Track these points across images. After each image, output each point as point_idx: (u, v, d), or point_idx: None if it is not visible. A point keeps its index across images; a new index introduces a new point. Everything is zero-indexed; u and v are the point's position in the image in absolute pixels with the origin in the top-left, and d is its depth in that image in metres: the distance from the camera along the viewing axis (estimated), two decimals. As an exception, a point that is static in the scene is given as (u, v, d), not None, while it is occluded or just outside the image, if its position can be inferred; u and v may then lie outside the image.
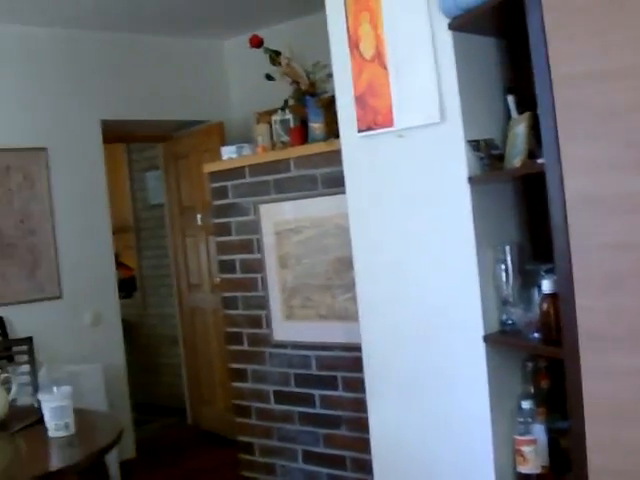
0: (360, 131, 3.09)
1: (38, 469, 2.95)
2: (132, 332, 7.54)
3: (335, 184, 3.86)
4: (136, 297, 8.66)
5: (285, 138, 4.36)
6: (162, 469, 6.28)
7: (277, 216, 4.31)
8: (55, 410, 3.23)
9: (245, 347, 4.61)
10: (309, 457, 4.42)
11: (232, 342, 4.71)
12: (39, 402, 3.98)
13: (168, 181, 7.42)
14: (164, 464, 6.43)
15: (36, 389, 4.28)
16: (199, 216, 6.84)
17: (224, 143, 5.98)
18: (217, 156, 5.38)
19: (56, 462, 3.17)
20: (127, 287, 8.28)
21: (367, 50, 3.02)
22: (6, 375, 3.80)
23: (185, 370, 7.57)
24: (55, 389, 3.30)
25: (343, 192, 3.32)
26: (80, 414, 3.34)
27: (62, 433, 3.22)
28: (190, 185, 7.03)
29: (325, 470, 4.35)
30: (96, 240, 6.31)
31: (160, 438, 7.14)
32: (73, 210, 6.18)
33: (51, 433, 3.24)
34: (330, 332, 4.16)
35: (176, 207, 7.32)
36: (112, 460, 4.99)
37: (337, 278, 4.09)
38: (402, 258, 3.04)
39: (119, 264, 6.95)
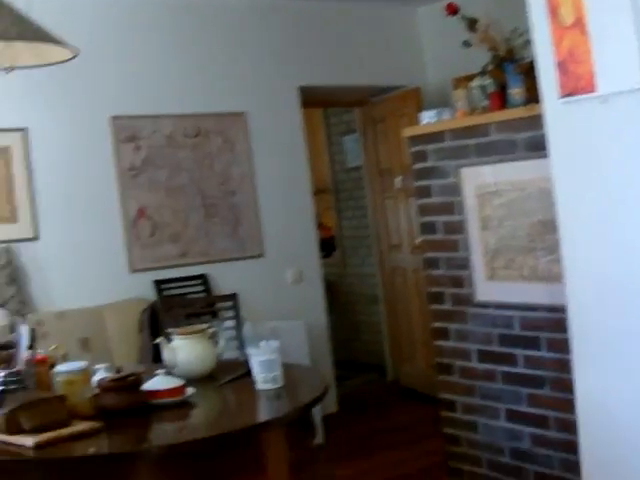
0: (562, 97, 3.10)
1: (246, 420, 3.05)
2: (332, 291, 7.73)
3: (536, 148, 3.85)
4: (335, 257, 8.85)
5: (485, 103, 4.37)
6: (363, 424, 6.46)
7: (478, 179, 4.33)
8: (263, 363, 3.28)
9: (447, 306, 4.65)
10: (512, 416, 4.42)
11: (434, 301, 4.77)
12: (245, 356, 4.16)
13: (366, 144, 7.54)
14: (365, 419, 6.61)
15: (241, 344, 4.48)
16: (398, 179, 6.92)
17: (420, 108, 6.02)
18: (414, 121, 5.43)
19: (264, 414, 3.25)
20: (327, 247, 8.47)
21: (567, 16, 3.02)
22: (214, 329, 3.94)
23: (386, 328, 7.71)
24: (263, 343, 3.36)
25: (544, 156, 3.33)
26: (287, 368, 3.38)
27: (270, 386, 3.26)
28: (387, 148, 7.13)
29: (528, 429, 4.34)
30: (297, 201, 6.51)
31: (361, 394, 7.33)
32: (273, 172, 6.39)
33: (259, 386, 3.28)
34: (533, 293, 4.16)
35: (374, 169, 7.43)
36: (315, 413, 5.16)
37: (540, 240, 4.08)
38: (609, 221, 3.03)
39: (319, 224, 7.14)
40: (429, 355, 6.60)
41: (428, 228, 4.72)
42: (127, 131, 5.83)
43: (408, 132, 4.78)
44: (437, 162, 4.56)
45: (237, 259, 6.24)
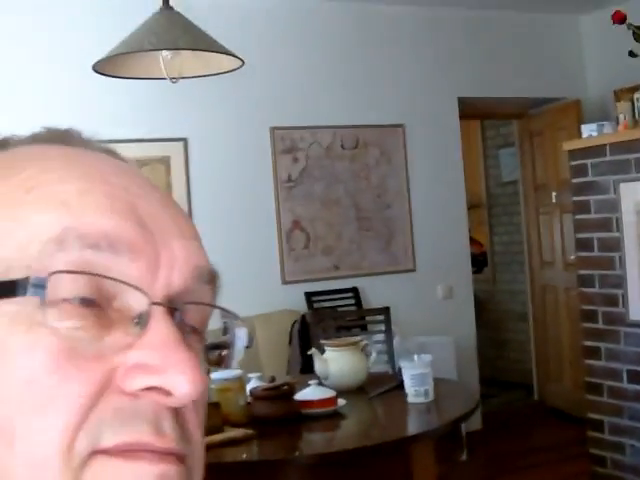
0: None
1: (396, 433, 3.12)
2: (480, 307, 7.68)
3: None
4: (486, 273, 8.78)
5: (648, 116, 4.28)
6: (507, 443, 6.38)
7: (638, 195, 4.24)
8: (416, 377, 3.31)
9: (599, 325, 4.58)
10: (661, 439, 4.34)
11: (587, 320, 4.70)
12: (394, 370, 4.19)
13: (522, 158, 7.46)
14: (509, 438, 6.52)
15: (391, 358, 4.51)
16: (554, 194, 6.82)
17: (580, 121, 5.91)
18: (573, 134, 5.35)
19: (414, 427, 3.32)
20: (477, 263, 8.41)
21: None
22: (366, 343, 3.99)
23: (533, 346, 7.60)
24: (416, 357, 3.41)
25: None
26: (437, 382, 3.42)
27: (421, 399, 3.29)
28: (544, 162, 7.03)
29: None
30: (450, 215, 6.48)
31: (505, 412, 7.23)
32: (428, 185, 6.38)
33: (410, 399, 3.32)
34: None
35: (530, 184, 7.34)
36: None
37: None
38: None
39: (470, 239, 7.10)
40: (577, 375, 6.47)
41: (584, 245, 4.66)
42: (286, 142, 5.94)
43: (568, 146, 4.72)
44: (597, 177, 4.49)
45: (389, 273, 6.27)
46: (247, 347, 0.68)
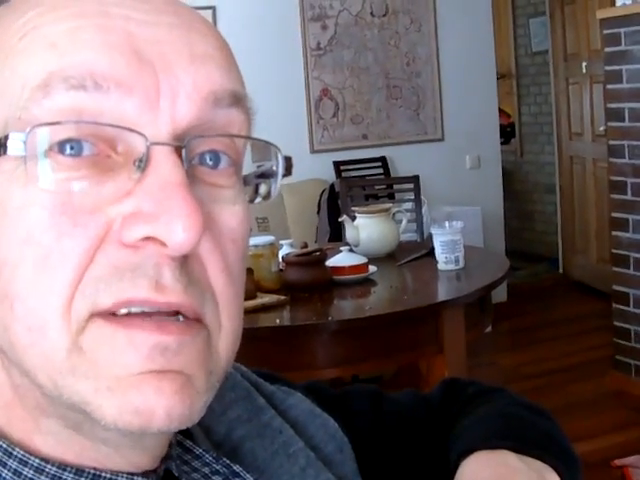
0: None
1: (427, 299, 3.16)
2: (507, 179, 7.65)
3: None
4: (513, 144, 8.73)
5: (686, -17, 4.18)
6: (532, 314, 6.47)
7: (673, 64, 4.19)
8: (446, 244, 3.29)
9: (628, 196, 4.57)
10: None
11: (615, 191, 4.69)
12: (423, 238, 4.21)
13: (553, 27, 7.31)
14: (533, 310, 6.60)
15: (420, 226, 4.53)
16: (584, 64, 6.72)
17: (614, -12, 5.78)
18: (606, 2, 5.24)
19: (445, 293, 3.33)
20: (505, 134, 8.35)
21: None
22: (397, 209, 3.98)
23: (560, 219, 7.62)
24: (447, 224, 3.38)
25: None
26: (467, 250, 3.41)
27: (452, 266, 3.30)
28: (576, 32, 6.89)
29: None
30: (480, 85, 6.41)
31: (531, 284, 7.28)
32: (458, 54, 6.28)
33: (440, 266, 3.32)
34: None
35: (560, 54, 7.23)
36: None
37: None
38: None
39: (498, 110, 7.03)
40: (602, 248, 6.51)
41: (615, 115, 4.61)
42: (315, 10, 5.86)
43: (602, 14, 4.63)
44: (630, 46, 4.41)
45: (417, 142, 6.25)
46: (285, 175, 0.64)
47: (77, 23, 0.55)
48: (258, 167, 0.63)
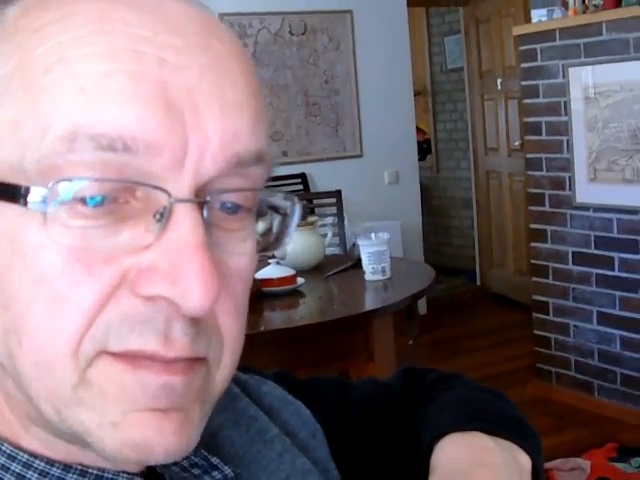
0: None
1: (356, 308, 3.20)
2: (424, 194, 7.75)
3: (648, 48, 3.84)
4: (429, 160, 8.85)
5: (598, 1, 4.30)
6: (452, 326, 6.57)
7: (586, 79, 4.31)
8: (373, 254, 3.34)
9: (546, 208, 4.68)
10: (603, 319, 4.47)
11: (533, 203, 4.79)
12: (346, 251, 4.23)
13: (468, 45, 7.47)
14: (454, 322, 6.71)
15: (343, 240, 4.57)
16: (499, 80, 6.87)
17: (527, 8, 5.90)
18: (519, 21, 5.38)
19: (373, 302, 3.36)
20: (421, 150, 8.45)
21: None
22: (322, 223, 4.00)
23: (477, 232, 7.75)
24: (373, 235, 3.44)
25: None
26: (394, 261, 3.48)
27: (379, 277, 3.34)
28: (490, 49, 7.05)
29: (619, 332, 4.40)
30: (397, 102, 6.50)
31: (450, 297, 7.39)
32: (375, 72, 6.37)
33: (368, 276, 3.36)
34: (634, 196, 4.16)
35: (475, 71, 7.38)
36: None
37: (646, 142, 4.08)
38: None
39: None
40: (519, 260, 6.66)
41: (532, 129, 4.72)
42: (234, 28, 5.87)
43: (518, 30, 4.74)
44: (546, 62, 4.53)
45: (336, 159, 6.30)
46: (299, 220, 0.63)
47: (108, 67, 0.53)
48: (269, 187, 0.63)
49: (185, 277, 0.53)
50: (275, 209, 0.63)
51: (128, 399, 0.56)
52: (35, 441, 0.61)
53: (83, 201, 0.53)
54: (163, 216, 0.54)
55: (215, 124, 0.56)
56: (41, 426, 0.59)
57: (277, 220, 0.64)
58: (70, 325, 0.54)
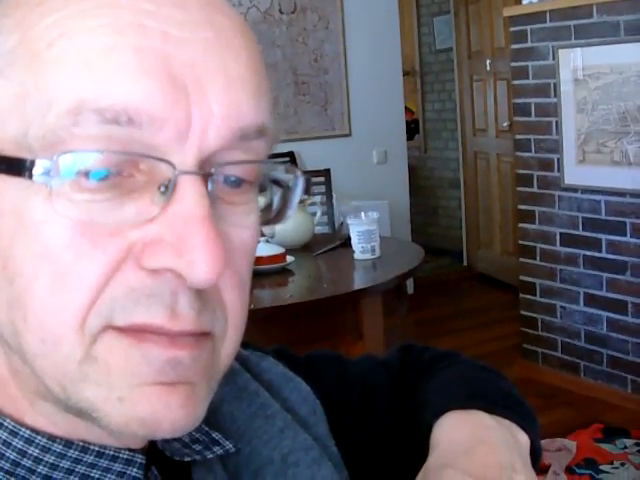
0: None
1: (345, 287, 3.21)
2: (411, 174, 7.74)
3: (639, 31, 3.83)
4: (417, 140, 8.84)
5: (589, -18, 4.30)
6: (439, 306, 6.60)
7: (576, 61, 4.31)
8: (363, 233, 3.35)
9: (534, 189, 4.69)
10: (590, 300, 4.49)
11: (522, 184, 4.80)
12: (335, 231, 4.23)
13: (457, 25, 7.45)
14: (440, 302, 6.73)
15: (331, 218, 4.57)
16: (488, 61, 6.87)
17: (518, -13, 5.91)
18: (509, 1, 5.38)
19: (362, 281, 3.37)
20: (409, 130, 8.43)
21: None
22: (312, 201, 3.99)
23: (464, 213, 7.76)
24: (363, 214, 3.43)
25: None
26: (383, 240, 3.49)
27: (368, 256, 3.35)
28: (480, 30, 7.03)
29: (605, 314, 4.42)
30: (386, 82, 6.47)
31: (436, 278, 7.40)
32: (365, 51, 6.33)
33: (357, 255, 3.36)
34: (622, 178, 4.17)
35: (464, 51, 7.37)
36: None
37: (634, 125, 4.08)
38: None
39: (403, 107, 7.12)
40: (505, 240, 6.68)
41: (521, 110, 4.73)
42: (224, 6, 5.82)
43: (509, 11, 4.73)
44: (536, 43, 4.53)
45: (325, 137, 6.29)
46: (305, 195, 0.64)
47: (113, 41, 0.53)
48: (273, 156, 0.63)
49: (191, 248, 0.53)
50: (277, 182, 0.63)
51: (134, 374, 0.56)
52: (40, 417, 0.61)
53: (87, 175, 0.53)
54: (168, 188, 0.54)
55: (218, 97, 0.56)
56: (50, 401, 0.59)
57: (278, 194, 0.64)
58: (76, 300, 0.54)
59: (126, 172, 0.54)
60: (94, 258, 0.54)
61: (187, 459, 0.68)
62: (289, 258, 3.33)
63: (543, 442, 3.75)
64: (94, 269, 0.54)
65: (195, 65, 0.55)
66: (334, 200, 4.92)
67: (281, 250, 3.30)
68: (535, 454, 0.82)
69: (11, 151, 0.54)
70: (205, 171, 0.56)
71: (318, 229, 4.23)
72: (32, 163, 0.53)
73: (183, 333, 0.56)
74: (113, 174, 0.54)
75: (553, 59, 4.43)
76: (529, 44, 4.57)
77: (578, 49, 4.29)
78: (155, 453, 0.67)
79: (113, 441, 0.62)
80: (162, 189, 0.55)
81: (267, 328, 2.91)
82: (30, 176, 0.53)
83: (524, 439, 0.81)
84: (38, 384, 0.58)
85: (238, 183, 0.60)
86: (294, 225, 3.61)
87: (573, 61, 4.33)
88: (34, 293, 0.54)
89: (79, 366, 0.55)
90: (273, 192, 0.64)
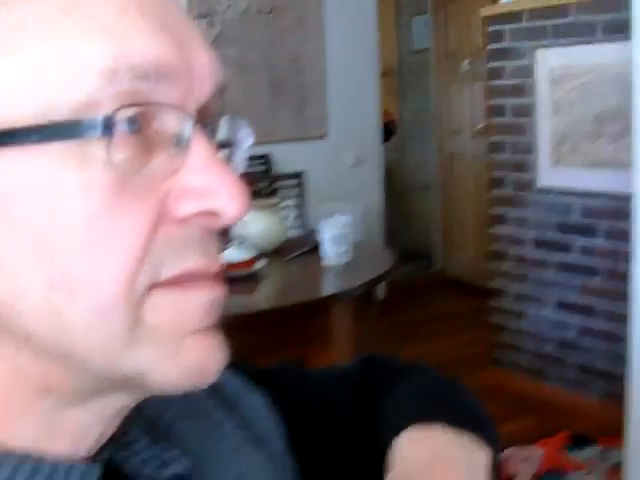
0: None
1: (315, 293, 3.18)
2: (387, 176, 7.68)
3: (616, 31, 3.80)
4: (393, 142, 8.78)
5: (566, -18, 4.27)
6: (410, 311, 6.55)
7: (552, 61, 4.28)
8: (334, 238, 3.31)
9: (508, 192, 4.65)
10: (560, 305, 4.45)
11: (495, 186, 4.76)
12: (308, 234, 4.19)
13: (436, 26, 7.42)
14: (412, 306, 6.69)
15: (304, 223, 4.53)
16: (466, 62, 6.84)
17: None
18: (487, 1, 5.34)
19: (332, 287, 3.32)
20: (385, 132, 8.38)
21: None
22: (285, 204, 3.96)
23: (438, 215, 7.72)
24: (334, 218, 3.39)
25: (624, 39, 3.27)
26: (354, 245, 3.44)
27: (339, 260, 3.31)
28: (458, 30, 7.02)
29: (575, 319, 4.38)
30: (363, 83, 6.43)
31: (408, 282, 7.31)
32: (342, 52, 6.28)
33: (328, 260, 3.32)
34: (597, 180, 4.14)
35: (442, 52, 7.34)
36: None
37: (609, 126, 4.05)
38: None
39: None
40: (479, 244, 6.64)
41: (496, 111, 4.69)
42: (202, 7, 5.76)
43: (486, 11, 4.71)
44: (513, 43, 4.50)
45: (300, 139, 6.23)
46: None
47: (121, 5, 0.55)
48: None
49: (224, 185, 0.56)
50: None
51: (181, 325, 0.57)
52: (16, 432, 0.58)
53: (120, 134, 0.54)
54: (181, 139, 0.56)
55: (204, 56, 0.60)
56: (56, 395, 0.58)
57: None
58: (125, 260, 0.54)
59: (146, 131, 0.56)
60: (137, 215, 0.55)
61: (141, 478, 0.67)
62: (259, 263, 3.26)
63: (510, 450, 3.73)
64: (139, 227, 0.55)
65: (180, 27, 0.58)
66: (308, 203, 4.89)
67: (252, 255, 3.24)
68: (495, 469, 0.81)
69: (39, 121, 0.53)
70: (207, 122, 0.60)
71: (292, 233, 4.18)
72: (62, 128, 0.53)
73: (217, 271, 0.59)
74: (138, 130, 0.55)
75: (530, 59, 4.39)
76: (506, 44, 4.54)
77: (555, 49, 4.25)
78: (111, 472, 0.64)
79: (71, 451, 0.60)
80: (175, 141, 0.57)
81: (235, 335, 2.86)
82: (64, 140, 0.53)
83: (485, 454, 0.80)
84: (49, 376, 0.57)
85: (213, 137, 0.62)
86: (266, 228, 3.57)
87: (550, 61, 4.29)
88: (82, 264, 0.54)
89: (129, 332, 0.55)
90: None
